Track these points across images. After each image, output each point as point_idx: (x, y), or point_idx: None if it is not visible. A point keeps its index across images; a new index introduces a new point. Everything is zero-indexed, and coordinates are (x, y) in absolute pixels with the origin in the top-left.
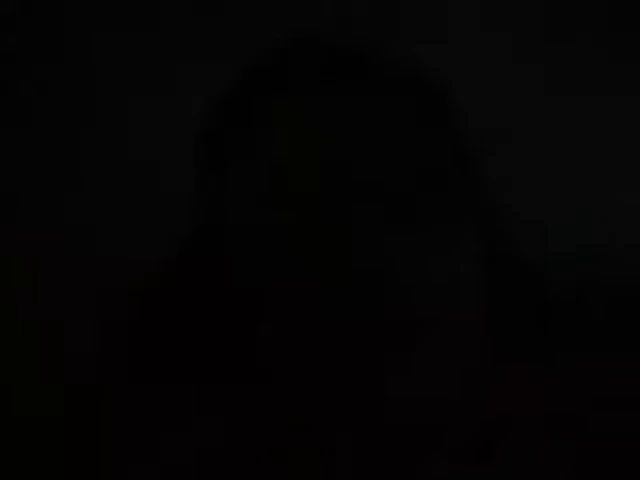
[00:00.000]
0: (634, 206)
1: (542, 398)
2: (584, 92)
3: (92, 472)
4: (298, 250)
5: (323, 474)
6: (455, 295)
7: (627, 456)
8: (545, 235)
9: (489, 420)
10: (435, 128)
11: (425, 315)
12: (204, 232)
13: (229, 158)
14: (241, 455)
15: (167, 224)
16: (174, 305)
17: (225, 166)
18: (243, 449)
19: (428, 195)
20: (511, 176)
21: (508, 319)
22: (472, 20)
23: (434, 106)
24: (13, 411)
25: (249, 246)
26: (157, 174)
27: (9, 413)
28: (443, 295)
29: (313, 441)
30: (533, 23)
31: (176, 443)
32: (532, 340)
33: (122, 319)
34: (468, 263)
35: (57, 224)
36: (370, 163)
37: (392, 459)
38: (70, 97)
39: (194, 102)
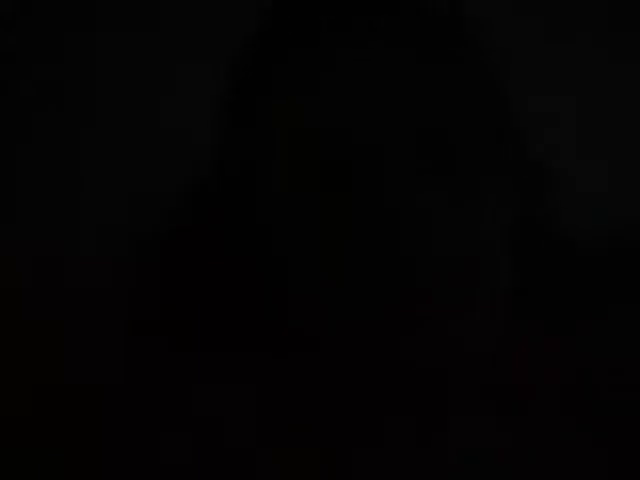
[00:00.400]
0: None
1: (561, 360)
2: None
3: (92, 472)
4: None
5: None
6: (487, 248)
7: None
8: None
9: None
10: (471, 68)
11: (453, 269)
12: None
13: (234, 157)
14: (243, 454)
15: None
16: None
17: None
18: (244, 448)
19: (467, 145)
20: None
21: (533, 279)
22: None
23: (469, 48)
24: (13, 411)
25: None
26: (157, 170)
27: (9, 413)
28: (475, 248)
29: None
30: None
31: (176, 443)
32: (555, 302)
33: (149, 267)
34: (503, 218)
35: (58, 220)
36: (400, 114)
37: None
38: (70, 97)
39: (197, 101)
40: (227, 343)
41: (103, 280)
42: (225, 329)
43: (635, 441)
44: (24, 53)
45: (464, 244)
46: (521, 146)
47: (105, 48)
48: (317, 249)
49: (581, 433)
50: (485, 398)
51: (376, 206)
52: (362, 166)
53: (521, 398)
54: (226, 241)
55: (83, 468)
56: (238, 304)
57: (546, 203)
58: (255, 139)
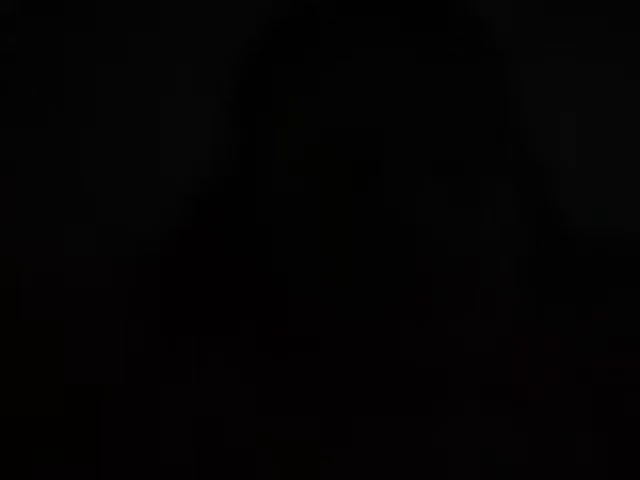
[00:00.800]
0: None
1: (561, 360)
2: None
3: (92, 472)
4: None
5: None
6: (487, 248)
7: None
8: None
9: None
10: (480, 67)
11: (458, 267)
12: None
13: (234, 157)
14: (243, 454)
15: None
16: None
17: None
18: (244, 448)
19: (467, 146)
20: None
21: (534, 278)
22: None
23: (477, 43)
24: (13, 411)
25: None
26: (157, 165)
27: (9, 413)
28: (475, 248)
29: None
30: None
31: (176, 443)
32: (555, 301)
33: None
34: (503, 218)
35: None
36: (411, 114)
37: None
38: (70, 97)
39: (197, 102)
40: (227, 343)
41: (103, 280)
42: (225, 329)
43: (635, 441)
44: (24, 53)
45: (464, 244)
46: (521, 146)
47: (105, 48)
48: (317, 249)
49: (581, 433)
50: (485, 398)
51: (376, 206)
52: (362, 166)
53: (521, 398)
54: (226, 241)
55: (83, 468)
56: (238, 304)
57: (546, 203)
58: (256, 139)
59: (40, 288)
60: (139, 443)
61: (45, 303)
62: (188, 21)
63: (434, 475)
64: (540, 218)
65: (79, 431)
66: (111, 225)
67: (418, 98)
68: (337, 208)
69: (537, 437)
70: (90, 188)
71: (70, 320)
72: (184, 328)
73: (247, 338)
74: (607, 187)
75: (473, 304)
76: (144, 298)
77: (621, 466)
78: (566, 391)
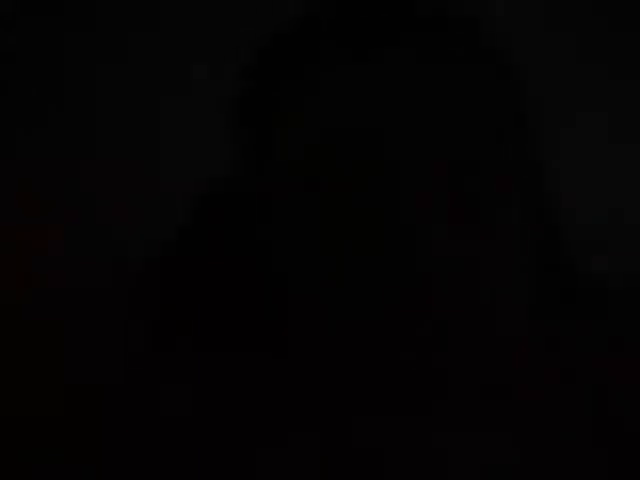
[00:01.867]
0: None
1: (561, 359)
2: None
3: (92, 472)
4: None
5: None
6: (487, 248)
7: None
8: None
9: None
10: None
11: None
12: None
13: (236, 158)
14: (243, 454)
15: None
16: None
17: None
18: (244, 447)
19: (466, 146)
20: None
21: (540, 275)
22: None
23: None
24: (13, 411)
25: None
26: (158, 168)
27: (9, 413)
28: (475, 248)
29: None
30: None
31: (176, 442)
32: (554, 301)
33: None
34: (502, 219)
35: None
36: (415, 126)
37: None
38: (70, 97)
39: (199, 104)
40: (227, 343)
41: (103, 280)
42: (225, 329)
43: (635, 441)
44: (24, 53)
45: (464, 244)
46: (521, 146)
47: (105, 48)
48: (317, 249)
49: (581, 433)
50: (485, 398)
51: (376, 206)
52: (362, 166)
53: (521, 398)
54: (226, 241)
55: (83, 468)
56: (239, 304)
57: (546, 203)
58: (256, 139)
59: (40, 288)
60: (139, 443)
61: (45, 303)
62: (188, 21)
63: (434, 475)
64: (540, 218)
65: (79, 431)
66: (112, 226)
67: (418, 98)
68: (337, 208)
69: (537, 437)
70: (91, 188)
71: (70, 320)
72: (184, 328)
73: (247, 338)
74: (607, 186)
75: (473, 304)
76: (145, 298)
77: (621, 466)
78: (566, 391)
